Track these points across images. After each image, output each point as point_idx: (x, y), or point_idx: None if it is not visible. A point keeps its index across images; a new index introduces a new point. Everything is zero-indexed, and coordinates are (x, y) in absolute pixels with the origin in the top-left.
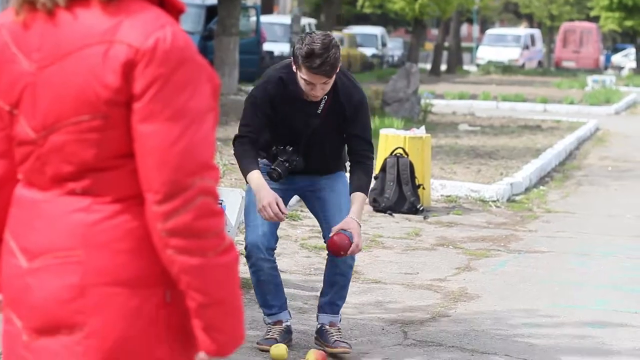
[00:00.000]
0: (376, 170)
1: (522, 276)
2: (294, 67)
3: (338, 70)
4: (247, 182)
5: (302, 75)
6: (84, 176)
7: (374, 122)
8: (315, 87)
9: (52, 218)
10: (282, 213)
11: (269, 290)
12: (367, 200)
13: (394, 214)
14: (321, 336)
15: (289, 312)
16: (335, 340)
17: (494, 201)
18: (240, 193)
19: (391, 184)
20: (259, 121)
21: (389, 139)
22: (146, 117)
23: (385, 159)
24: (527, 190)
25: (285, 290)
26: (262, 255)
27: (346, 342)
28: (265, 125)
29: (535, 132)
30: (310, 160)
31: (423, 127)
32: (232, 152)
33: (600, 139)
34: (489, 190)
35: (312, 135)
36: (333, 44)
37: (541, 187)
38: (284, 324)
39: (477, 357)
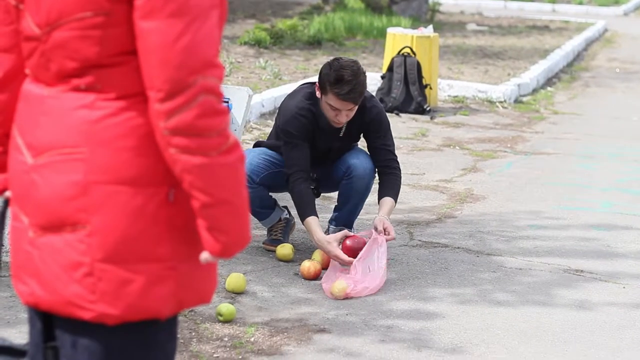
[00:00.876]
0: (383, 69)
1: (528, 178)
2: (317, 93)
3: None
4: (302, 222)
5: (328, 101)
6: (87, 72)
7: (381, 20)
8: (341, 113)
9: (57, 114)
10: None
11: (255, 203)
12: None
13: (400, 114)
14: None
15: (280, 207)
16: None
17: (501, 102)
18: (247, 91)
19: (398, 83)
20: (306, 153)
21: (397, 38)
22: (148, 13)
23: (393, 58)
24: (535, 91)
25: None
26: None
27: None
28: (309, 154)
29: (543, 33)
30: (325, 169)
31: (431, 27)
32: (287, 185)
33: (608, 40)
34: (496, 90)
35: (330, 154)
36: (361, 71)
37: (548, 88)
38: (282, 219)
39: (483, 259)
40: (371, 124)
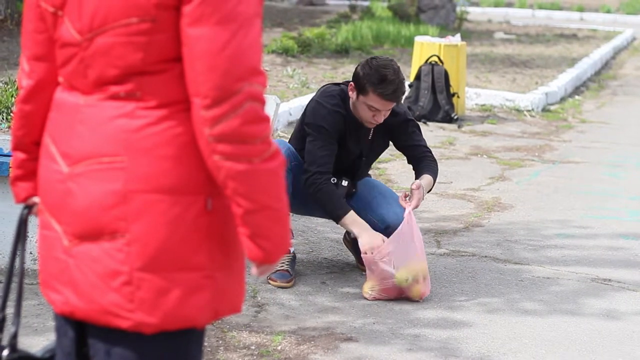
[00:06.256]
0: (411, 78)
1: (555, 186)
2: (352, 94)
3: None
4: (337, 222)
5: (367, 102)
6: (128, 80)
7: (409, 29)
8: (380, 114)
9: (94, 123)
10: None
11: None
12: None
13: (428, 123)
14: (357, 252)
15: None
16: None
17: (528, 110)
18: (274, 100)
19: (426, 92)
20: (334, 155)
21: (424, 47)
22: (196, 20)
23: (420, 67)
24: (562, 99)
25: None
26: None
27: None
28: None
29: (571, 41)
30: (358, 178)
31: (458, 35)
32: (307, 186)
33: (636, 48)
34: (524, 99)
35: (360, 161)
36: (400, 69)
37: (576, 97)
38: (291, 250)
39: (510, 267)
40: (400, 126)
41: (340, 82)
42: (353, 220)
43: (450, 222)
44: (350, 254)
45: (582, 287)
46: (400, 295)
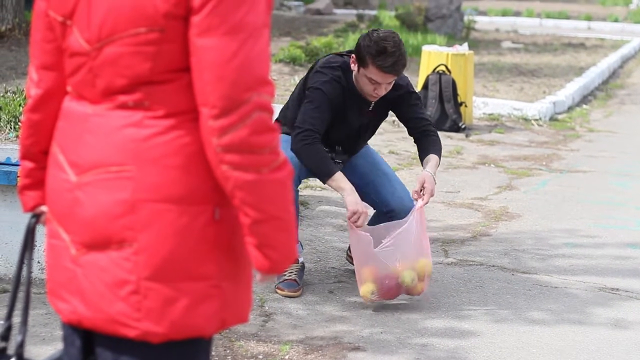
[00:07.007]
0: (418, 87)
1: (563, 196)
2: (353, 66)
3: None
4: (324, 182)
5: (368, 74)
6: (136, 89)
7: (416, 38)
8: (380, 87)
9: (102, 132)
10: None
11: None
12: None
13: None
14: None
15: (300, 243)
16: None
17: (536, 119)
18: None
19: (433, 101)
20: (326, 121)
21: (432, 56)
22: (204, 30)
23: (428, 76)
24: (570, 109)
25: (326, 207)
26: None
27: None
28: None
29: (579, 50)
30: (354, 152)
31: (466, 44)
32: (297, 141)
33: None
34: (532, 108)
35: (360, 131)
36: (402, 42)
37: (584, 106)
38: (300, 260)
39: (518, 277)
40: (402, 98)
41: (344, 52)
42: (340, 180)
43: (457, 232)
44: None
45: (589, 296)
46: (400, 294)
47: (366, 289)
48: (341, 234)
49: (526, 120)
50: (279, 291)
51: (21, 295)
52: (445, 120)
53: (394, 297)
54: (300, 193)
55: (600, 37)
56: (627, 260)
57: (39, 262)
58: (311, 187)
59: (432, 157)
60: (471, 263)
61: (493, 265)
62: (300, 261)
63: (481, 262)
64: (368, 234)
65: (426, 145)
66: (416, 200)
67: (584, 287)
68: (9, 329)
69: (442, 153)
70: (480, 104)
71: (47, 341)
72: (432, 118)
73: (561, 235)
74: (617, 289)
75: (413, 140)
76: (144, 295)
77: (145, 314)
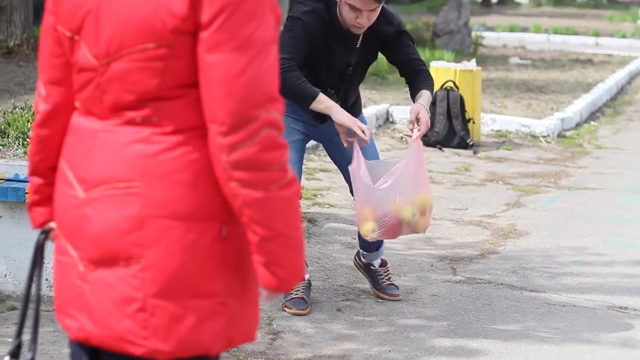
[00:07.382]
0: None
1: (571, 213)
2: None
3: None
4: (309, 106)
5: (348, 1)
6: (144, 105)
7: (424, 54)
8: (362, 15)
9: (111, 148)
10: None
11: None
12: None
13: (443, 149)
14: (371, 277)
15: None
16: (387, 284)
17: (544, 136)
18: None
19: (441, 117)
20: (304, 51)
21: (440, 72)
22: (213, 46)
23: (436, 92)
24: (578, 125)
25: (334, 225)
26: None
27: (396, 287)
28: (303, 57)
29: (587, 66)
30: (346, 100)
31: (474, 60)
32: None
33: None
34: (540, 125)
35: (350, 71)
36: None
37: (592, 123)
38: (305, 277)
39: (526, 295)
40: (393, 37)
41: None
42: (326, 100)
43: (465, 249)
44: (366, 280)
45: (598, 315)
46: (401, 233)
47: (367, 227)
48: (349, 251)
49: (534, 137)
50: (286, 309)
51: (30, 312)
52: (453, 137)
53: (396, 236)
54: (308, 210)
55: (608, 53)
56: (636, 278)
57: (47, 280)
58: (319, 205)
59: (424, 92)
60: (479, 281)
61: (501, 284)
62: (306, 278)
63: (489, 280)
64: (367, 171)
65: (419, 82)
66: (411, 130)
67: (592, 306)
68: (19, 346)
69: (449, 170)
70: (488, 121)
71: (56, 359)
72: (440, 135)
73: (569, 253)
74: (626, 307)
75: (405, 80)
76: (151, 312)
77: (152, 332)
